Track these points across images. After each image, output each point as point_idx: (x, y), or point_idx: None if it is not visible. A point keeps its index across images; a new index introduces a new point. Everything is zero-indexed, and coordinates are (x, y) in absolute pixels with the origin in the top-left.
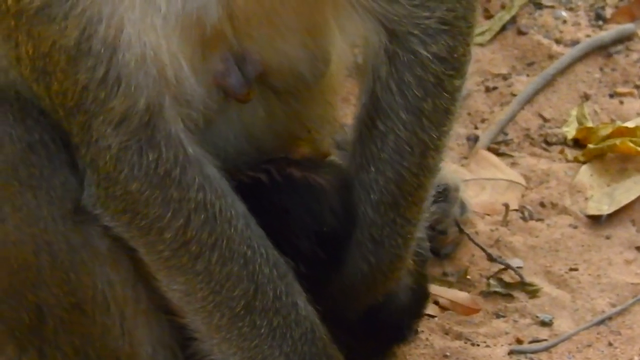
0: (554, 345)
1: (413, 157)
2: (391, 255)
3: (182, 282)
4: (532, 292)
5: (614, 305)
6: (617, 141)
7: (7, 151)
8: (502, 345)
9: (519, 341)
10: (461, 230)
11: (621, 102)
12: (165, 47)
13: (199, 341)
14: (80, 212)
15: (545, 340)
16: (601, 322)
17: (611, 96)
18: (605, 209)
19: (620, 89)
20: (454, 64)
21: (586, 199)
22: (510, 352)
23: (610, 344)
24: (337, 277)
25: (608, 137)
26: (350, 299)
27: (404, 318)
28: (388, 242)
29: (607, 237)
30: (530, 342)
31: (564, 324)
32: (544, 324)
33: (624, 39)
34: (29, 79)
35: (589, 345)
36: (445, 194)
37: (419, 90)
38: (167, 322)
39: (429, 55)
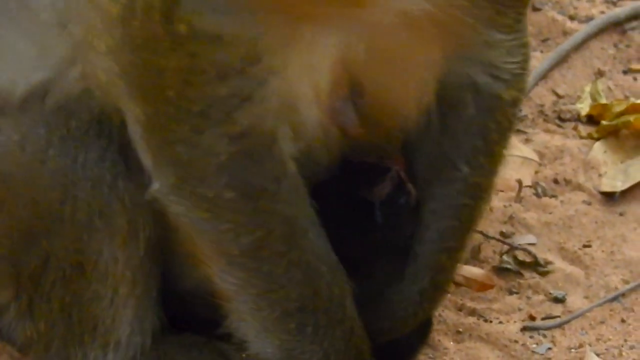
0: (567, 321)
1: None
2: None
3: (241, 278)
4: (546, 268)
5: (627, 282)
6: (631, 118)
7: None
8: (515, 322)
9: (532, 317)
10: None
11: (635, 79)
12: (307, 82)
13: (235, 321)
14: (111, 185)
15: (559, 316)
16: (614, 298)
17: (625, 72)
18: (619, 186)
19: (635, 66)
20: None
21: (600, 175)
22: (523, 329)
23: (623, 321)
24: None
25: (622, 113)
26: (403, 327)
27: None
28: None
29: (621, 214)
30: (544, 319)
31: (577, 301)
32: (557, 300)
33: (638, 16)
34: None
35: (602, 322)
36: None
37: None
38: (156, 316)
39: (509, 99)
